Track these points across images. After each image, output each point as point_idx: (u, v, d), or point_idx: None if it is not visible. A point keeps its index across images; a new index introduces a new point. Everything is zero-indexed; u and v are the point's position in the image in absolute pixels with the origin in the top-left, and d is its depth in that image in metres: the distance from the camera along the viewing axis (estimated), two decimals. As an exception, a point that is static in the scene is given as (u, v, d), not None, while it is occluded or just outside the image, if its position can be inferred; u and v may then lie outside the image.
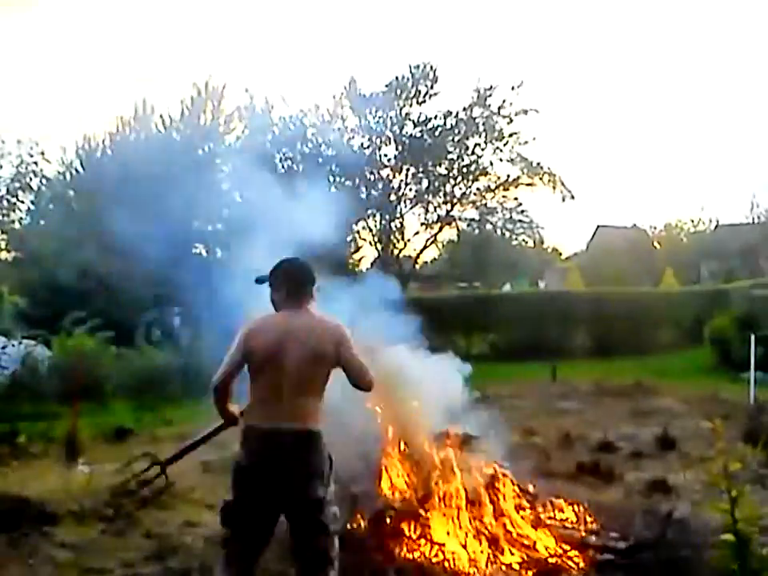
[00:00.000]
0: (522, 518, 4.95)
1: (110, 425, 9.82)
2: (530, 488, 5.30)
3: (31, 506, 5.68)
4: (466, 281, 28.78)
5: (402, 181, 24.00)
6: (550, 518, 5.07)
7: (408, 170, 23.81)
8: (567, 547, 4.67)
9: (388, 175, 23.88)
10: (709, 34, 71.49)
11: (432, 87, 23.33)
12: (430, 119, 23.37)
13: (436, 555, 4.52)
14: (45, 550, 5.11)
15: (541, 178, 24.02)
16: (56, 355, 12.95)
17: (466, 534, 4.70)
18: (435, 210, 24.46)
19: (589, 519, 5.13)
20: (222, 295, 4.88)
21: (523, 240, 29.17)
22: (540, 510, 5.11)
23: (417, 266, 26.85)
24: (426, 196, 24.06)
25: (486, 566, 4.51)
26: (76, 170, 20.54)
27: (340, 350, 3.47)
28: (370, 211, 23.43)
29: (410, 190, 24.12)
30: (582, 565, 4.53)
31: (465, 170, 23.79)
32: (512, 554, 4.63)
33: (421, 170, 23.63)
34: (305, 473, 3.42)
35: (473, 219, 25.54)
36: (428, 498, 4.79)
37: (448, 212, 24.54)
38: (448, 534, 4.68)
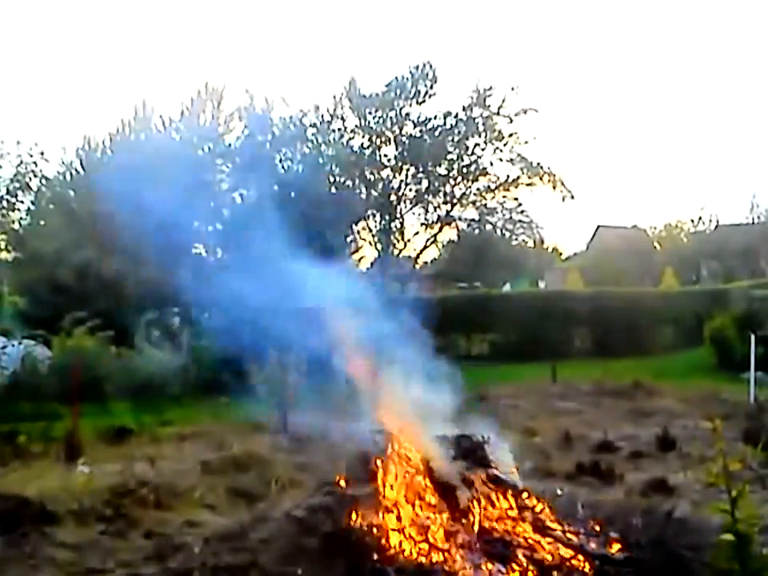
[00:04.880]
0: (522, 521, 4.93)
1: (110, 425, 9.82)
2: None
3: (31, 505, 5.67)
4: (466, 281, 28.79)
5: (402, 181, 23.99)
6: (550, 520, 5.04)
7: (408, 170, 23.80)
8: (570, 553, 4.63)
9: (388, 175, 23.86)
10: (709, 33, 71.42)
11: (432, 87, 23.32)
12: (429, 119, 23.37)
13: (436, 555, 4.51)
14: (45, 550, 5.10)
15: (541, 178, 24.02)
16: (56, 355, 12.95)
17: (467, 535, 4.68)
18: (435, 211, 24.46)
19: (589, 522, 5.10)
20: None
21: (523, 240, 29.20)
22: (540, 513, 5.08)
23: (417, 266, 26.82)
24: (425, 196, 24.04)
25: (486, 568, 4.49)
26: (76, 170, 20.50)
27: None
28: (369, 211, 23.41)
29: (410, 190, 24.11)
30: (586, 569, 4.49)
31: (465, 170, 23.78)
32: (513, 557, 4.61)
33: (421, 170, 23.61)
34: None
35: (473, 219, 25.56)
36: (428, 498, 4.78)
37: (448, 212, 24.53)
38: (449, 534, 4.67)
